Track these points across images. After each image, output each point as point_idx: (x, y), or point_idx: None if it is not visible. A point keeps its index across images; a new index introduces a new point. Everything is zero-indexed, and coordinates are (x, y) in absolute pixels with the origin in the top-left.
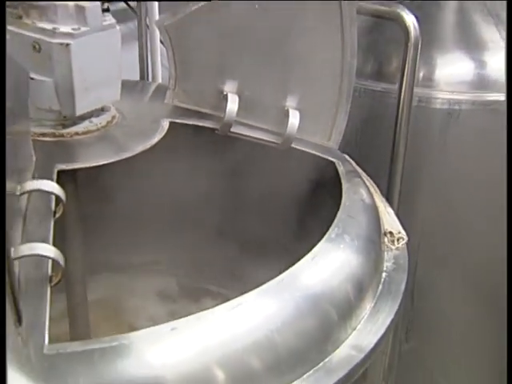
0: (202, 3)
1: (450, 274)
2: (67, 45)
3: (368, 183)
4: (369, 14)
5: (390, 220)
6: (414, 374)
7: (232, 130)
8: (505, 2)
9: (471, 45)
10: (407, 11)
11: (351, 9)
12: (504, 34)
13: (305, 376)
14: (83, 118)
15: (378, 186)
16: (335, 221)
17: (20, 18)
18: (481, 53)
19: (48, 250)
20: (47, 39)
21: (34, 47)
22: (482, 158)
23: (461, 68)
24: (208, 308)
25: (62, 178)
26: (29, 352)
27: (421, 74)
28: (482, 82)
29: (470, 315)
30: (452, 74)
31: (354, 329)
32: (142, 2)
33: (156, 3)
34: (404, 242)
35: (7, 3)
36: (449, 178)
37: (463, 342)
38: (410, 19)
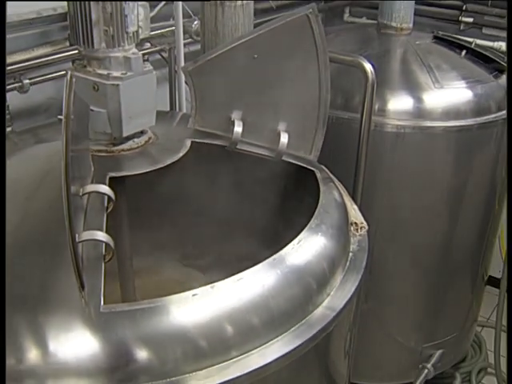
0: (217, 54)
1: (397, 252)
2: (117, 85)
3: (339, 186)
4: (338, 62)
5: (355, 214)
6: (371, 325)
7: (238, 147)
8: (434, 56)
9: (411, 86)
10: (366, 61)
11: (325, 58)
12: (434, 78)
13: (292, 329)
14: (128, 138)
15: (346, 189)
16: (315, 214)
17: (84, 66)
18: (418, 92)
19: (102, 236)
20: (103, 81)
21: (94, 87)
22: (420, 167)
23: (404, 103)
24: (219, 280)
25: (113, 182)
26: (90, 310)
27: (376, 107)
28: (419, 113)
29: (411, 282)
30: (398, 106)
31: (329, 294)
32: (172, 55)
33: (182, 56)
34: (365, 230)
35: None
36: (397, 183)
37: (405, 301)
38: (368, 66)
